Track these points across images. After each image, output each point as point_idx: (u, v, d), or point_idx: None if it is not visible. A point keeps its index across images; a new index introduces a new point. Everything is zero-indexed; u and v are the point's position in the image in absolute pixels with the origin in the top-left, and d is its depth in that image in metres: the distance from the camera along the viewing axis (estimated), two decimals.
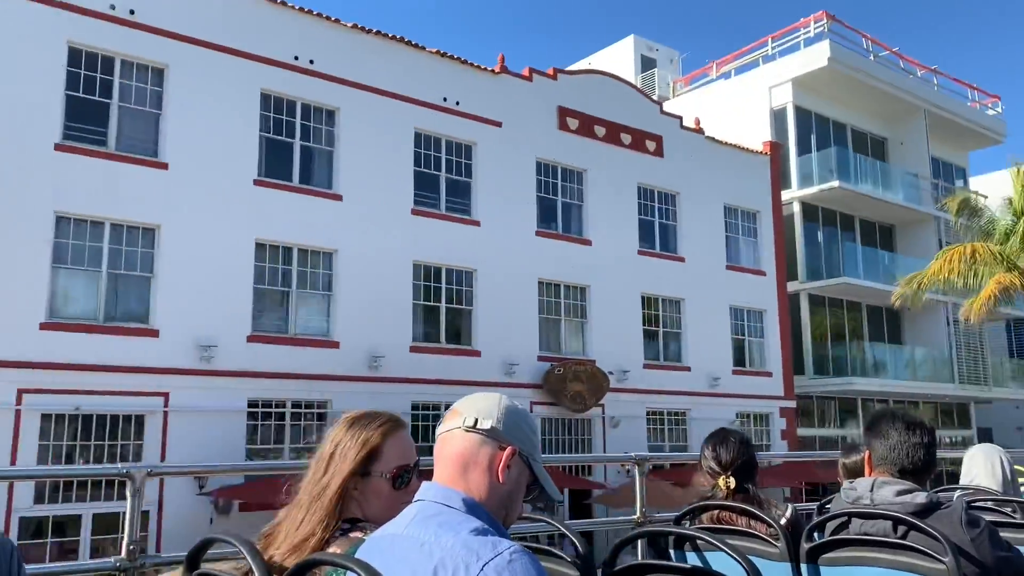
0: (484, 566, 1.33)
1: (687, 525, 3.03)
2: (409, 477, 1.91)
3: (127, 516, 2.89)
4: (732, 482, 3.02)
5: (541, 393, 19.96)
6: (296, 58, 17.57)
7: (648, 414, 22.45)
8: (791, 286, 28.58)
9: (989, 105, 36.94)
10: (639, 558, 3.32)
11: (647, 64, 35.76)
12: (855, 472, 3.44)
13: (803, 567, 2.46)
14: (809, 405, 28.52)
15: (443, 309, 19.21)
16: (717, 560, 2.46)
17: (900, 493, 2.40)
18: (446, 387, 17.80)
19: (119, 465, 3.15)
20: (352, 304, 17.58)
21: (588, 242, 21.97)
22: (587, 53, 39.87)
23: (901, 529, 2.33)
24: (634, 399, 21.99)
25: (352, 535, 1.79)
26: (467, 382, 17.34)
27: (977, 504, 3.25)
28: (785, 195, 29.11)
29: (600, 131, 22.60)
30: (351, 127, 18.16)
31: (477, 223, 19.87)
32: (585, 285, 21.74)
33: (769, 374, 25.72)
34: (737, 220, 26.11)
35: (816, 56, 28.56)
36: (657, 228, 23.91)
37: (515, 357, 19.75)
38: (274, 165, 17.28)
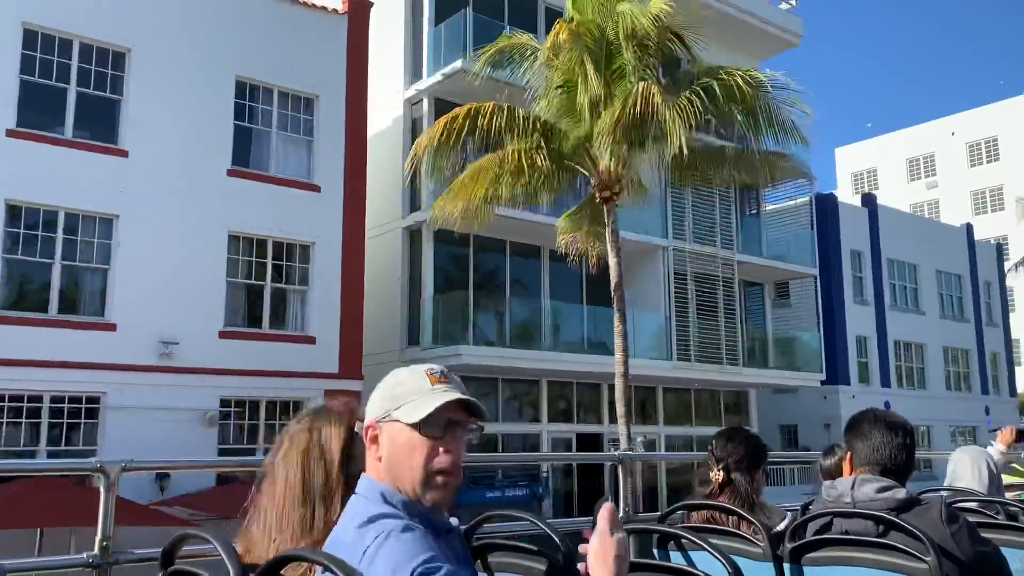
0: (362, 556, 1.39)
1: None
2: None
3: (100, 512, 2.77)
4: (721, 476, 3.03)
5: None
6: None
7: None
8: (414, 217, 19.77)
9: None
10: None
11: None
12: (833, 473, 3.37)
13: (786, 567, 2.46)
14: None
15: None
16: (701, 559, 2.40)
17: (881, 490, 2.40)
18: None
19: (93, 460, 2.98)
20: None
21: None
22: None
23: (882, 527, 2.33)
24: None
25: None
26: None
27: (959, 504, 3.16)
28: (415, 88, 20.26)
29: None
30: None
31: None
32: None
33: (311, 340, 16.86)
34: (271, 106, 17.15)
35: None
36: (73, 101, 14.94)
37: None
38: None
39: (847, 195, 62.56)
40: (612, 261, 12.87)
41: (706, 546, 2.08)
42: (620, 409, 12.52)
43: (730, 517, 2.88)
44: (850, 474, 2.52)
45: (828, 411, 29.15)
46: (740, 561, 2.15)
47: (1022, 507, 3.28)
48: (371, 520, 1.43)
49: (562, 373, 20.86)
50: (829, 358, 29.65)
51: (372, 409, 1.56)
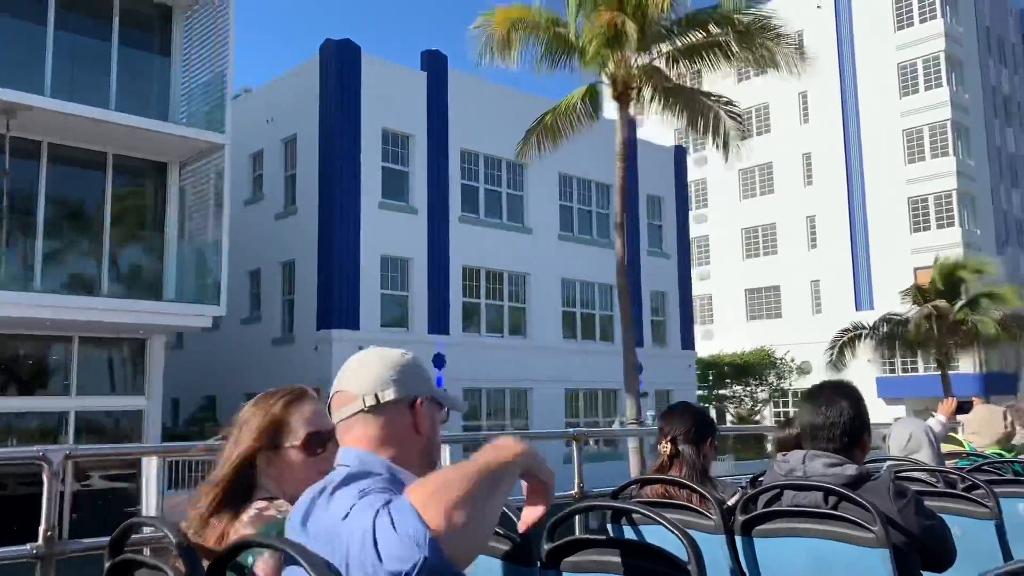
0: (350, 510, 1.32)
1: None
2: (323, 443, 1.84)
3: (44, 501, 2.74)
4: (669, 448, 3.08)
5: None
6: None
7: None
8: None
9: None
10: (576, 534, 2.72)
11: None
12: (789, 446, 3.26)
13: (737, 539, 2.50)
14: None
15: None
16: (654, 534, 2.42)
17: (831, 465, 2.46)
18: None
19: (36, 448, 2.85)
20: None
21: None
22: None
23: (832, 500, 2.38)
24: None
25: (266, 513, 1.73)
26: None
27: (905, 473, 3.36)
28: None
29: None
30: None
31: None
32: None
33: None
34: None
35: None
36: None
37: None
38: None
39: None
40: None
41: (661, 520, 2.04)
42: None
43: (681, 491, 2.87)
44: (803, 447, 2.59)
45: (320, 369, 19.34)
46: (693, 534, 2.05)
47: (959, 475, 3.40)
48: (370, 493, 1.34)
49: None
50: (324, 290, 19.84)
51: (409, 384, 1.56)
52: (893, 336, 24.37)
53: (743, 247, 46.13)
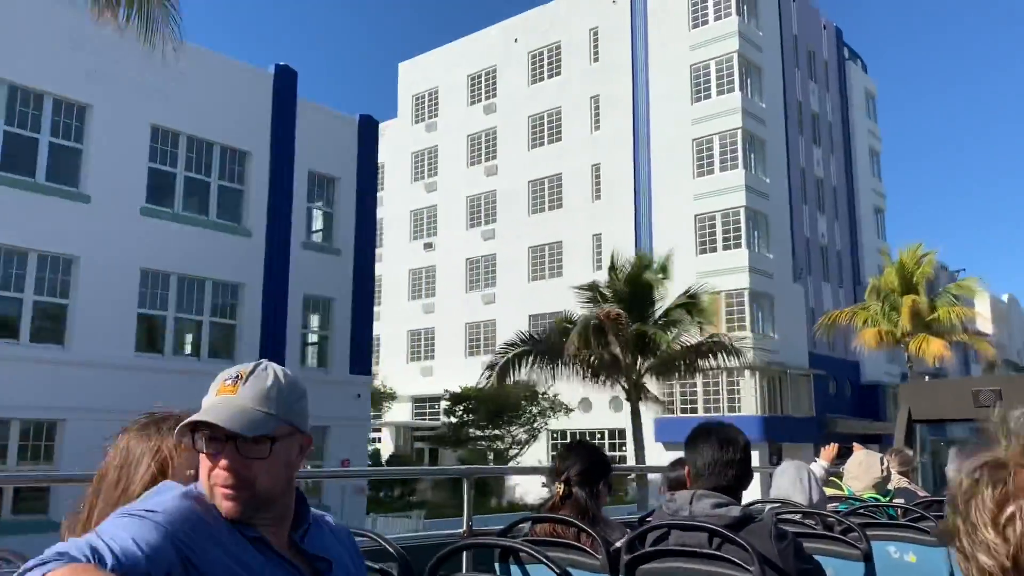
0: None
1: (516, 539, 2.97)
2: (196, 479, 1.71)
3: None
4: (562, 489, 3.01)
5: None
6: None
7: None
8: None
9: None
10: (464, 571, 3.11)
11: None
12: (678, 485, 3.41)
13: None
14: None
15: None
16: (541, 573, 2.43)
17: (716, 506, 2.49)
18: None
19: None
20: None
21: None
22: None
23: (716, 541, 2.40)
24: None
25: None
26: None
27: (785, 516, 3.46)
28: None
29: None
30: None
31: None
32: None
33: None
34: None
35: None
36: None
37: None
38: None
39: (406, 124, 47.61)
40: None
41: (543, 559, 2.05)
42: None
43: (571, 529, 2.86)
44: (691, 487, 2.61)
45: None
46: (579, 574, 2.09)
47: (836, 518, 3.57)
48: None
49: None
50: None
51: None
52: (554, 351, 18.76)
53: (529, 265, 40.66)
